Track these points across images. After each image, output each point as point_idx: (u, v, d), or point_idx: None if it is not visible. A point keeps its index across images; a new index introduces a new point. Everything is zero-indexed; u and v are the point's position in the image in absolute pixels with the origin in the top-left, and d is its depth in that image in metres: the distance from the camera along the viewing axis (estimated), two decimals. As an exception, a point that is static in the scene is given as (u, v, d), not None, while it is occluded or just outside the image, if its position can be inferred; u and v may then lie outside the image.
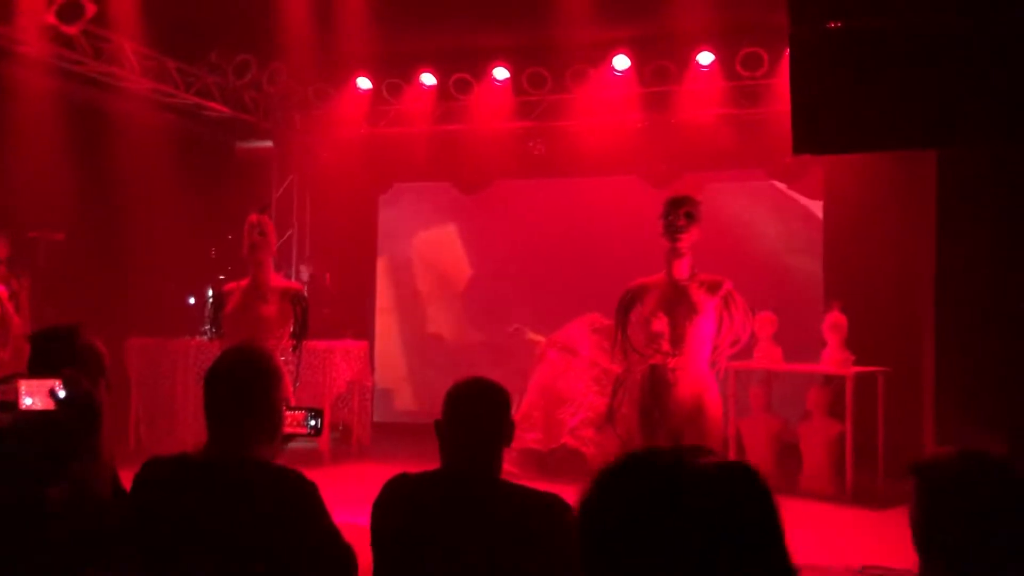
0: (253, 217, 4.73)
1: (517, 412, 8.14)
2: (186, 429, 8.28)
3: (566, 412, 7.76)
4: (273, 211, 10.52)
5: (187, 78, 8.58)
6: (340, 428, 9.05)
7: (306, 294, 4.76)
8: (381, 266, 10.71)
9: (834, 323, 7.36)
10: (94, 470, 2.24)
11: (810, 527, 6.41)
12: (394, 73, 9.51)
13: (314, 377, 8.30)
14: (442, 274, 10.58)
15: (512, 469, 7.83)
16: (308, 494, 2.21)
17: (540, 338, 9.60)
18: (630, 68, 8.87)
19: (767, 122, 8.64)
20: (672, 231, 4.09)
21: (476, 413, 2.36)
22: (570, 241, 9.64)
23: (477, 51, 9.24)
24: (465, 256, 10.50)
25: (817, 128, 3.69)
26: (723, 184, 9.39)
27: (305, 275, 9.26)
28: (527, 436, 7.91)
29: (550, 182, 9.90)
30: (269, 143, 10.17)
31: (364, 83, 9.65)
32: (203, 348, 8.48)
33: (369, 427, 9.06)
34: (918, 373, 5.92)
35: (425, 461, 8.36)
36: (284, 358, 4.62)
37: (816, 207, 9.16)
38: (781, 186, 9.23)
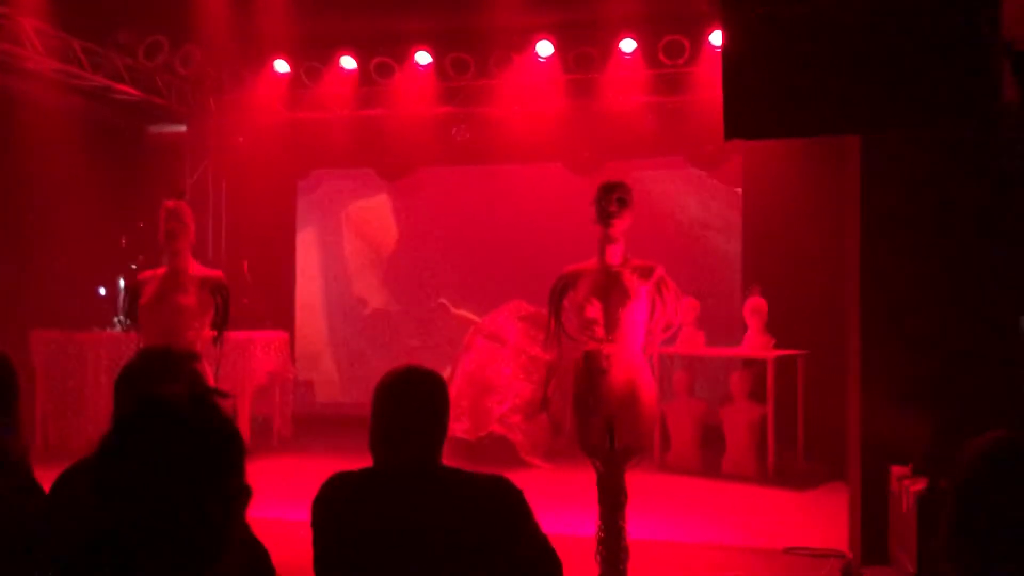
0: (169, 203, 4.52)
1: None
2: (96, 425, 7.96)
3: (493, 400, 7.72)
4: (187, 198, 10.20)
5: (94, 59, 8.19)
6: (259, 420, 8.82)
7: (226, 283, 4.56)
8: (300, 255, 10.47)
9: (755, 307, 7.51)
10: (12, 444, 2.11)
11: (734, 509, 6.54)
12: (313, 56, 9.28)
13: (233, 369, 8.06)
14: (364, 263, 10.41)
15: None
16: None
17: (464, 313, 9.56)
18: (553, 55, 8.84)
19: (689, 110, 8.74)
20: (605, 217, 4.06)
21: (413, 404, 2.26)
22: (494, 228, 9.59)
23: (399, 35, 9.08)
24: (388, 244, 10.36)
25: (748, 114, 3.71)
26: (645, 172, 9.45)
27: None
28: (455, 425, 7.82)
29: (474, 169, 9.82)
30: (183, 127, 9.81)
31: (282, 66, 9.40)
32: (116, 340, 8.17)
33: (290, 419, 8.87)
34: (837, 355, 6.06)
35: (346, 453, 8.17)
36: (204, 350, 4.44)
37: (736, 193, 9.30)
38: (701, 173, 9.34)
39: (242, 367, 8.09)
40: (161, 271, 4.56)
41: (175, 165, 9.96)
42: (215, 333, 4.53)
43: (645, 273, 4.08)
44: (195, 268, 4.58)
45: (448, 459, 7.22)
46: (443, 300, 9.86)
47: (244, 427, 8.13)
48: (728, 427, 7.47)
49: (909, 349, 3.93)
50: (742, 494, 6.94)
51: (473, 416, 7.75)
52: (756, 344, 7.47)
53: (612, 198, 4.05)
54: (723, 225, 9.27)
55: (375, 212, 10.36)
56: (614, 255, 4.10)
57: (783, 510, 6.47)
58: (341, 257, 10.46)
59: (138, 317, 4.50)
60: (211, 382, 4.49)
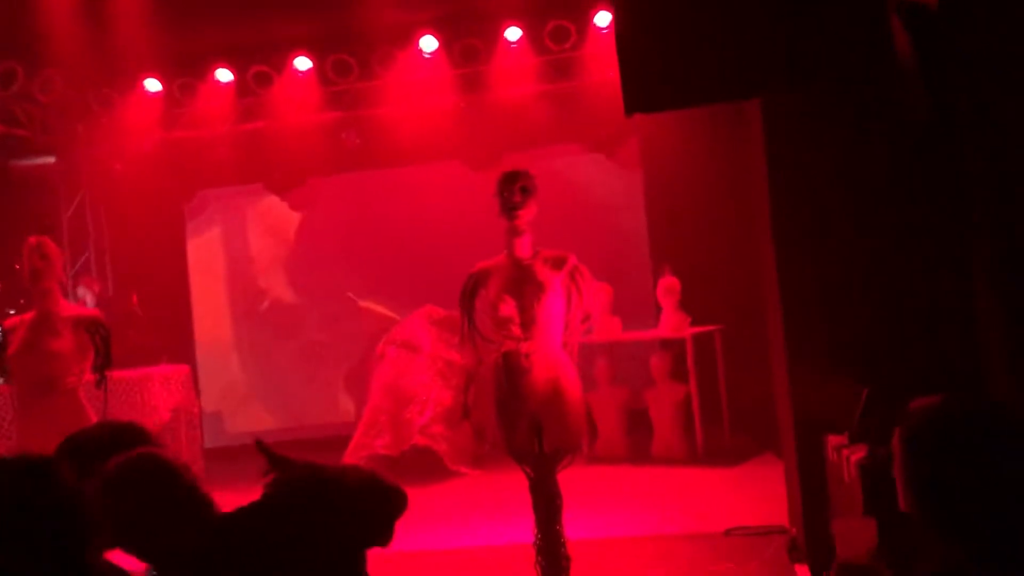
0: (32, 240, 4.09)
1: (361, 420, 7.74)
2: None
3: (413, 411, 7.44)
4: (64, 233, 9.56)
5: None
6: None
7: (103, 320, 4.16)
8: (195, 283, 9.93)
9: (668, 287, 7.42)
10: None
11: (669, 494, 6.42)
12: (186, 72, 8.79)
13: (132, 409, 7.55)
14: (263, 286, 9.95)
15: (363, 478, 7.45)
16: None
17: (373, 306, 9.28)
18: (438, 49, 8.58)
19: (581, 95, 8.61)
20: (509, 208, 3.85)
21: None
22: (396, 234, 9.27)
23: (274, 42, 8.68)
24: (287, 262, 9.92)
25: (646, 87, 3.54)
26: (545, 161, 9.29)
27: (89, 299, 8.33)
28: (375, 443, 7.54)
29: (368, 174, 9.48)
30: (50, 159, 9.17)
31: (153, 85, 8.87)
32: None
33: (200, 455, 8.38)
34: (754, 326, 6.00)
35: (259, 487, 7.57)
36: (88, 394, 4.05)
37: (638, 174, 9.22)
38: (599, 157, 9.22)
39: (141, 406, 7.58)
40: (29, 315, 4.14)
41: (46, 200, 9.31)
42: (98, 376, 4.12)
43: (557, 263, 3.88)
44: (67, 308, 4.17)
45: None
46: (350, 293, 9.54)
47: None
48: (654, 411, 7.36)
49: (833, 315, 3.84)
50: (675, 478, 6.84)
51: (394, 430, 7.45)
52: (672, 324, 7.39)
53: (515, 188, 3.84)
54: (628, 207, 9.17)
55: (270, 228, 9.91)
56: (523, 247, 3.89)
57: (718, 490, 6.39)
58: (238, 278, 9.97)
59: (9, 368, 4.06)
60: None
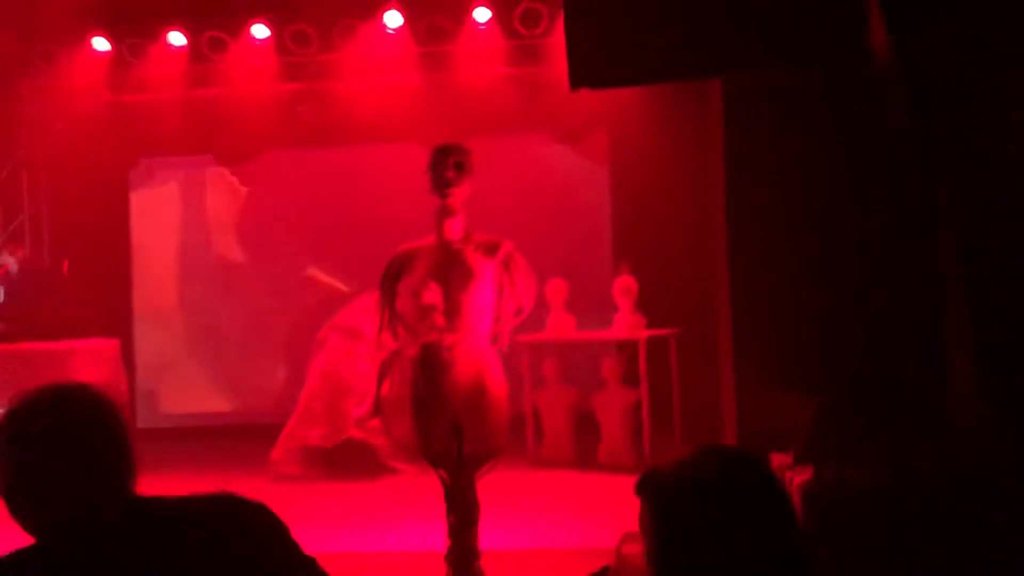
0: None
1: (296, 407, 7.37)
2: None
3: (351, 402, 7.07)
4: (1, 193, 9.09)
5: None
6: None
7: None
8: (136, 253, 9.48)
9: (625, 287, 7.11)
10: None
11: (611, 504, 6.08)
12: (136, 32, 8.34)
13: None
14: (208, 259, 9.51)
15: (294, 470, 7.09)
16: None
17: (334, 282, 8.93)
18: (403, 25, 8.21)
19: (549, 83, 8.25)
20: (441, 185, 3.51)
21: (82, 431, 1.59)
22: (346, 213, 8.88)
23: (231, 6, 8.27)
24: (233, 237, 9.49)
25: (595, 60, 3.22)
26: (507, 149, 8.95)
27: (12, 265, 7.85)
28: (309, 432, 7.17)
29: (322, 151, 9.07)
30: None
31: (101, 44, 8.42)
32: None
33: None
34: (711, 333, 5.70)
35: (195, 469, 7.19)
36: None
37: (603, 169, 8.90)
38: (565, 149, 8.90)
39: (63, 381, 7.14)
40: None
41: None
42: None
43: (490, 249, 3.54)
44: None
45: (303, 468, 6.43)
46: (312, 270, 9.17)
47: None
48: (601, 414, 7.05)
49: (785, 321, 3.53)
50: (619, 486, 6.49)
51: (329, 421, 7.08)
52: (627, 325, 7.08)
53: (448, 163, 3.50)
54: (590, 202, 8.85)
55: (218, 201, 9.47)
56: (453, 229, 3.55)
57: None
58: (184, 253, 9.52)
59: None
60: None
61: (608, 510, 5.90)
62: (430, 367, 3.46)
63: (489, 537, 4.80)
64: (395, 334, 3.59)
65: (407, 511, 5.85)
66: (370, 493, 6.55)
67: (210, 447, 8.54)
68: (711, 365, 6.19)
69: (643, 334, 6.96)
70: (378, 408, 3.68)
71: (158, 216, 9.47)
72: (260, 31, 8.32)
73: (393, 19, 8.22)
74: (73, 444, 1.58)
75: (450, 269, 3.46)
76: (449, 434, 3.46)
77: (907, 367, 3.34)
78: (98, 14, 8.30)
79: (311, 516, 6.02)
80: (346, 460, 7.03)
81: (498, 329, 3.58)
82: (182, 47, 8.41)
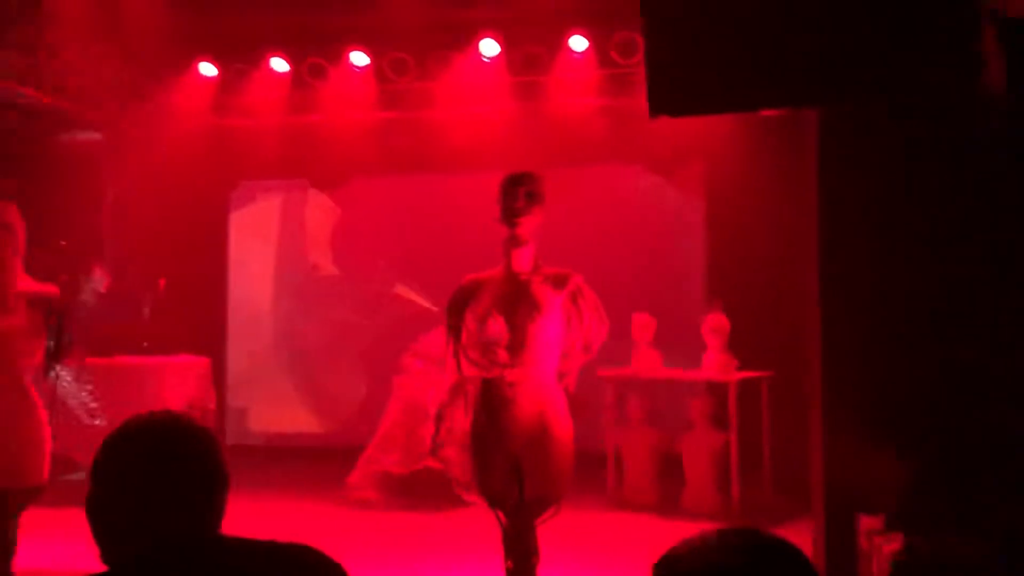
0: (-7, 203, 3.80)
1: (376, 432, 7.33)
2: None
3: (429, 430, 6.95)
4: (107, 212, 9.43)
5: (-10, 58, 7.43)
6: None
7: (62, 299, 3.82)
8: (234, 273, 9.68)
9: (715, 325, 6.81)
10: None
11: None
12: (241, 57, 8.56)
13: (141, 399, 7.27)
14: (300, 279, 9.63)
15: (370, 495, 7.03)
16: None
17: (422, 300, 8.92)
18: (499, 55, 8.18)
19: (644, 113, 8.03)
20: (510, 215, 3.37)
21: (175, 462, 1.59)
22: (438, 240, 8.85)
23: (333, 33, 8.40)
24: (325, 257, 9.58)
25: (677, 86, 3.02)
26: (599, 179, 8.79)
27: (100, 283, 8.10)
28: (386, 458, 7.11)
29: (415, 177, 9.10)
30: (96, 135, 9.03)
31: (208, 69, 8.68)
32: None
33: (213, 452, 8.05)
34: (805, 376, 5.36)
35: (282, 487, 7.19)
36: (36, 381, 3.71)
37: (699, 201, 8.63)
38: (659, 180, 8.67)
39: (153, 396, 7.29)
40: (-12, 289, 3.82)
41: (92, 177, 9.18)
42: (47, 362, 3.77)
43: (559, 282, 3.37)
44: (24, 283, 3.83)
45: (380, 494, 6.32)
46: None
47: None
48: (687, 458, 6.74)
49: (880, 373, 3.23)
50: (702, 534, 6.20)
51: (407, 448, 7.00)
52: (716, 365, 6.77)
53: (519, 192, 3.36)
54: (683, 234, 8.57)
55: (314, 224, 9.60)
56: (522, 261, 3.39)
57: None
58: (277, 273, 9.67)
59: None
60: (43, 416, 3.78)
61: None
62: (491, 404, 3.31)
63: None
64: (459, 366, 3.46)
65: (472, 547, 5.66)
66: (440, 524, 6.43)
67: (293, 466, 8.60)
68: (805, 411, 5.85)
69: (734, 376, 6.64)
70: (435, 442, 3.55)
71: (255, 236, 9.66)
72: (359, 58, 8.42)
73: (489, 48, 8.20)
74: (166, 479, 1.60)
75: (516, 301, 3.31)
76: (509, 475, 3.30)
77: (1016, 427, 3.00)
78: (206, 40, 8.58)
79: (378, 544, 5.95)
80: (422, 489, 6.93)
81: (565, 366, 3.40)
82: (284, 73, 8.59)
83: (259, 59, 8.53)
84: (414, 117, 8.67)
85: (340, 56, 8.41)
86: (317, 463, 8.24)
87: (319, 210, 9.53)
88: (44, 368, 3.78)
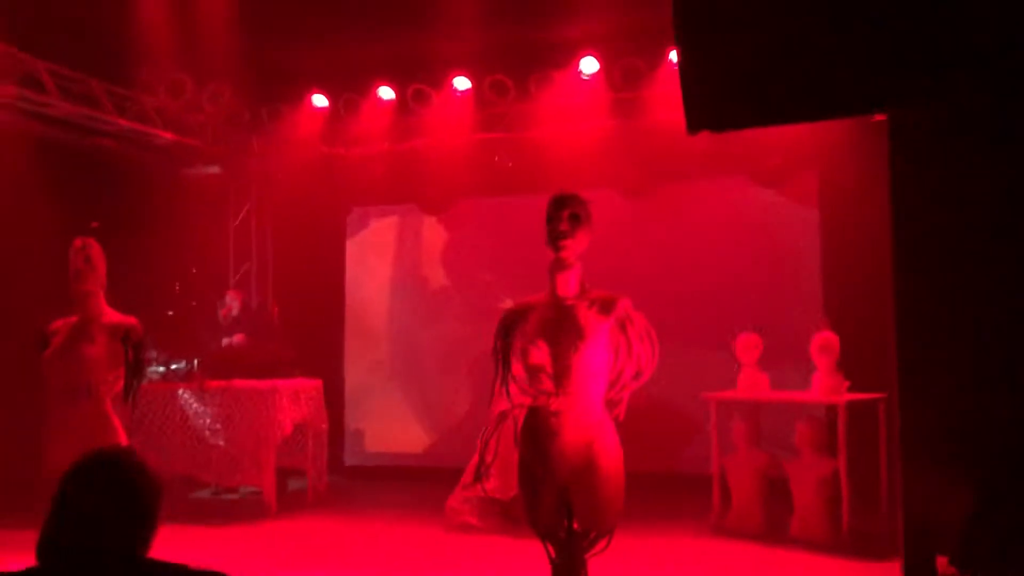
0: (77, 242, 4.02)
1: (472, 458, 7.32)
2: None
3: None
4: (231, 241, 9.90)
5: (119, 101, 7.97)
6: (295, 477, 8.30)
7: (141, 330, 4.00)
8: (350, 297, 9.95)
9: (824, 344, 6.45)
10: None
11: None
12: (349, 87, 8.83)
13: (255, 420, 7.58)
14: (415, 304, 9.79)
15: (470, 520, 7.02)
16: None
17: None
18: (598, 71, 8.10)
19: (750, 123, 7.77)
20: (554, 238, 3.28)
21: (101, 487, 1.92)
22: (543, 261, 8.79)
23: (436, 59, 8.54)
24: (440, 282, 9.71)
25: (716, 98, 2.87)
26: (704, 193, 8.54)
27: (235, 306, 8.51)
28: (486, 483, 7.06)
29: (519, 199, 9.09)
30: (216, 169, 9.51)
31: (320, 100, 8.99)
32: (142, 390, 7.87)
33: (324, 473, 8.29)
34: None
35: (387, 507, 7.34)
36: (115, 406, 3.90)
37: (810, 213, 8.24)
38: (769, 192, 8.32)
39: (265, 417, 7.58)
40: (73, 319, 4.04)
41: (215, 208, 9.67)
42: (126, 387, 3.95)
43: (605, 307, 3.25)
44: (107, 315, 4.03)
45: (481, 520, 6.30)
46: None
47: (269, 481, 7.60)
48: (795, 484, 6.39)
49: (958, 406, 2.94)
50: (810, 564, 5.87)
51: (505, 472, 6.93)
52: (825, 387, 6.40)
53: (563, 215, 3.27)
54: (795, 249, 8.19)
55: (425, 248, 9.75)
56: (567, 285, 3.29)
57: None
58: (391, 297, 9.87)
59: (43, 370, 3.98)
60: (123, 441, 3.97)
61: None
62: (536, 434, 3.22)
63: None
64: (508, 394, 3.39)
65: None
66: (532, 551, 6.34)
67: (401, 487, 8.74)
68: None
69: (843, 398, 6.27)
70: (480, 473, 3.48)
71: (370, 262, 9.90)
72: (461, 83, 8.53)
73: (589, 65, 8.13)
74: (101, 504, 1.90)
75: (560, 327, 3.22)
76: (557, 508, 3.20)
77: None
78: (318, 73, 8.90)
79: (475, 570, 5.92)
80: (521, 514, 6.86)
81: (614, 395, 3.27)
82: (390, 101, 8.79)
83: (367, 88, 8.77)
84: (515, 138, 8.69)
85: (443, 81, 8.53)
86: (427, 483, 8.32)
87: (428, 232, 9.67)
88: (123, 394, 3.96)
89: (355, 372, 9.86)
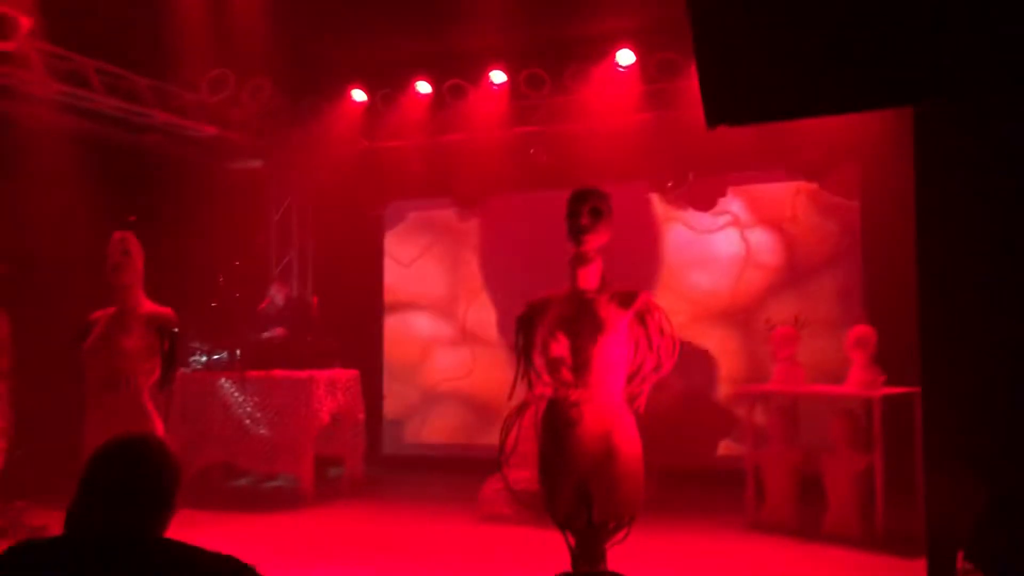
0: (117, 234, 4.14)
1: (505, 448, 7.37)
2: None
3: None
4: (272, 235, 10.06)
5: (162, 97, 8.14)
6: (333, 466, 8.44)
7: (176, 321, 4.09)
8: (388, 289, 10.06)
9: (860, 338, 6.38)
10: None
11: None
12: (387, 82, 8.92)
13: (293, 409, 7.71)
14: (451, 296, 9.87)
15: (503, 510, 7.07)
16: None
17: None
18: (634, 64, 8.07)
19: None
20: (575, 232, 3.31)
21: (123, 469, 2.00)
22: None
23: (472, 54, 8.59)
24: (474, 276, 9.77)
25: (736, 90, 2.86)
26: (742, 186, 8.47)
27: (279, 298, 8.66)
28: (519, 474, 7.09)
29: (554, 193, 9.09)
30: (257, 163, 9.65)
31: (359, 95, 9.10)
32: (183, 379, 8.07)
33: (361, 462, 8.40)
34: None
35: (422, 497, 7.45)
36: (152, 395, 4.00)
37: (849, 207, 8.14)
38: (811, 186, 8.23)
39: (304, 407, 7.71)
40: (111, 310, 4.16)
41: (257, 202, 9.83)
42: (161, 377, 4.06)
43: (625, 301, 3.27)
44: (145, 306, 4.14)
45: (514, 510, 6.32)
46: None
47: (307, 470, 7.72)
48: (829, 480, 6.34)
49: (979, 402, 2.91)
50: (842, 562, 5.82)
51: (534, 465, 6.99)
52: (860, 381, 6.34)
53: (583, 209, 3.29)
54: (834, 243, 8.09)
55: (462, 242, 9.82)
56: (588, 279, 3.32)
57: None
58: (424, 299, 9.95)
59: (82, 360, 4.10)
60: (159, 430, 4.08)
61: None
62: (555, 425, 3.26)
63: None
64: (530, 385, 3.43)
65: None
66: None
67: (437, 477, 8.83)
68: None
69: (878, 392, 6.20)
70: (500, 462, 3.52)
71: (409, 254, 9.99)
72: (498, 76, 8.56)
73: (625, 57, 8.12)
74: (119, 484, 2.00)
75: (580, 320, 3.24)
76: (576, 498, 3.23)
77: None
78: (357, 68, 9.01)
79: (494, 558, 5.97)
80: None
81: (634, 387, 3.29)
82: (427, 95, 8.86)
83: (405, 83, 8.85)
84: (550, 131, 8.70)
85: (480, 75, 8.57)
86: (463, 473, 8.39)
87: (463, 226, 9.73)
88: (160, 384, 4.07)
89: (393, 363, 9.97)
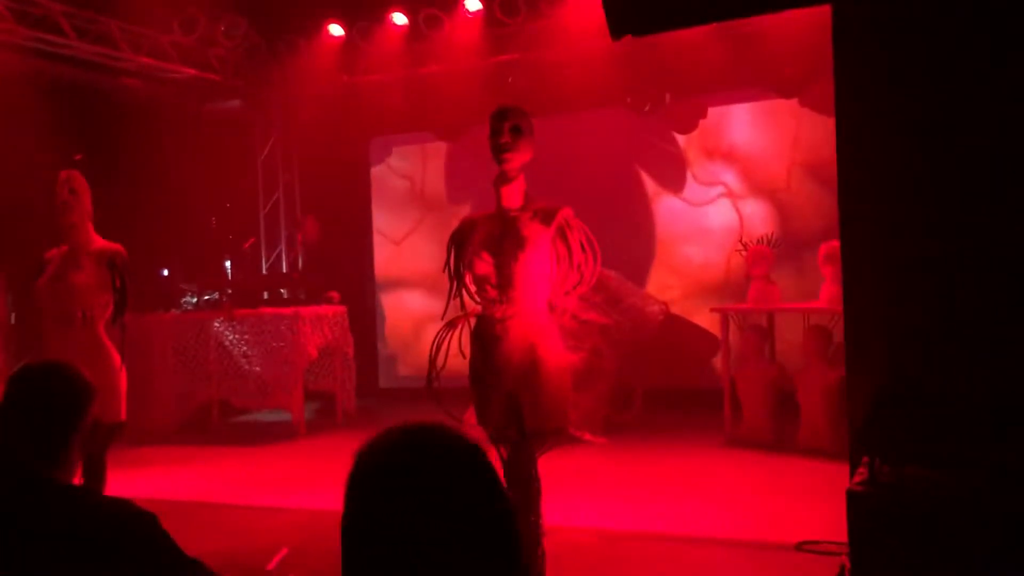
0: (63, 173, 4.20)
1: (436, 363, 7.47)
2: (162, 405, 8.02)
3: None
4: (260, 174, 10.11)
5: (135, 39, 8.13)
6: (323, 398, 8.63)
7: (126, 256, 4.18)
8: (378, 226, 10.11)
9: (829, 253, 6.38)
10: None
11: (783, 491, 5.53)
12: (363, 15, 8.84)
13: (281, 345, 7.86)
14: (443, 229, 9.89)
15: (484, 433, 7.21)
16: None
17: None
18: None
19: (761, 33, 7.59)
20: (497, 150, 3.33)
21: (22, 401, 1.95)
22: (559, 178, 8.79)
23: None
24: (464, 208, 9.77)
25: (636, 3, 2.85)
26: (722, 106, 8.39)
27: (310, 233, 8.82)
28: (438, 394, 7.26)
29: (535, 122, 9.05)
30: (236, 103, 9.65)
31: (336, 29, 9.03)
32: (180, 321, 8.25)
33: (352, 395, 8.57)
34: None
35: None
36: (107, 331, 4.11)
37: (830, 122, 8.04)
38: (791, 104, 8.14)
39: (291, 342, 7.85)
40: (64, 249, 4.25)
41: (243, 142, 9.85)
42: (113, 312, 4.16)
43: (547, 217, 3.31)
44: (95, 242, 4.23)
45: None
46: None
47: (297, 403, 7.90)
48: (802, 394, 6.41)
49: (895, 310, 2.95)
50: (811, 472, 5.91)
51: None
52: (831, 296, 6.36)
53: (504, 127, 3.31)
54: (815, 161, 8.03)
55: (443, 173, 9.81)
56: (511, 197, 3.36)
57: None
58: (415, 234, 9.98)
59: (38, 297, 4.21)
60: (116, 362, 4.19)
61: (779, 498, 5.38)
62: (483, 341, 3.33)
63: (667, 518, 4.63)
64: (462, 304, 3.49)
65: (574, 484, 5.67)
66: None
67: (429, 407, 8.95)
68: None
69: (848, 306, 6.21)
70: (431, 380, 3.61)
71: (393, 189, 10.01)
72: (472, 4, 8.46)
73: (599, -21, 7.98)
74: (13, 415, 1.98)
75: (504, 239, 3.28)
76: (506, 411, 3.31)
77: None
78: (333, 1, 8.92)
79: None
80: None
81: (557, 300, 3.35)
82: (403, 27, 8.78)
83: (380, 15, 8.77)
84: (528, 59, 8.62)
85: (455, 5, 8.48)
86: (454, 402, 8.54)
87: (445, 158, 9.71)
88: (112, 318, 4.17)
89: (386, 300, 10.07)
